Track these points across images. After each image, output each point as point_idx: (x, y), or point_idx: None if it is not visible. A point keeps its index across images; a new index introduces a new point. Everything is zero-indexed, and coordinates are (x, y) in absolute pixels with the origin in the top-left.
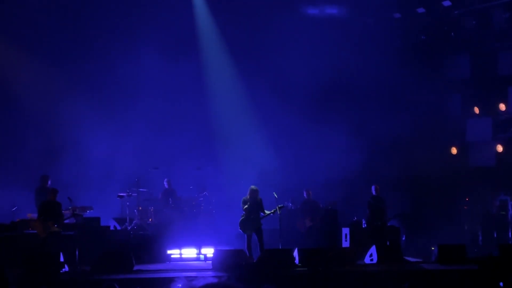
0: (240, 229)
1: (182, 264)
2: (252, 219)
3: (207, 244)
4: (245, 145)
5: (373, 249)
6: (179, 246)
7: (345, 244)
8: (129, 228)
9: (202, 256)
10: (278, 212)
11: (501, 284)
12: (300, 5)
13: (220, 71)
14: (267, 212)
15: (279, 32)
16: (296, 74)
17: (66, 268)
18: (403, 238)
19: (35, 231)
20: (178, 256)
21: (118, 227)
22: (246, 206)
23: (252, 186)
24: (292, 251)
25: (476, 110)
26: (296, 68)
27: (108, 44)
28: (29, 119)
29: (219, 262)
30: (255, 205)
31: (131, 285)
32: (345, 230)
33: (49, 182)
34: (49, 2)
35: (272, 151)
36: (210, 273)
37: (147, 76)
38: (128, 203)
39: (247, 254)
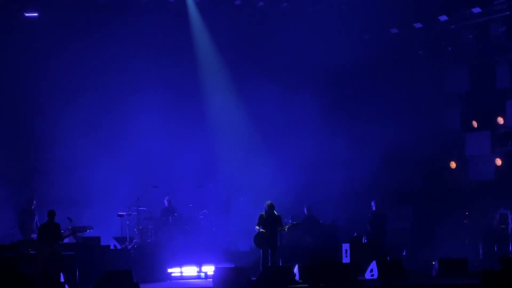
0: (255, 244)
1: (183, 283)
2: (268, 235)
3: (208, 262)
4: (245, 162)
5: (373, 265)
6: (180, 264)
7: (346, 260)
8: (129, 247)
9: (203, 274)
10: (286, 229)
11: None
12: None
13: (220, 89)
14: (283, 228)
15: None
16: (296, 88)
17: None
18: (404, 253)
19: (36, 252)
20: (179, 274)
21: (119, 246)
22: (259, 226)
23: (268, 202)
24: (293, 267)
25: (475, 124)
26: (297, 82)
27: (107, 60)
28: (29, 139)
29: (220, 280)
30: (272, 221)
31: None
32: (346, 246)
33: (34, 203)
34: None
35: (272, 168)
36: None
37: (146, 94)
38: (128, 222)
39: (261, 270)
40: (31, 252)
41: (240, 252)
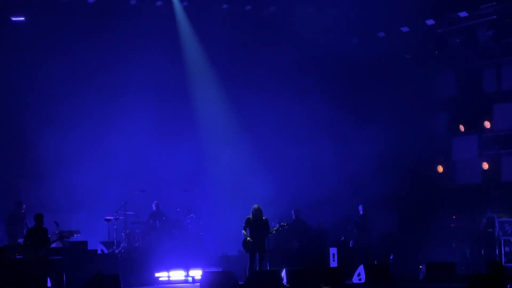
0: (243, 248)
1: (171, 287)
2: (255, 239)
3: (195, 266)
4: (232, 167)
5: (361, 269)
6: (167, 268)
7: (333, 264)
8: (116, 251)
9: (190, 279)
10: (274, 231)
11: None
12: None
13: (209, 92)
14: (270, 231)
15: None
16: (284, 92)
17: None
18: (391, 257)
19: (23, 257)
20: (166, 278)
21: (106, 251)
22: (245, 230)
23: (255, 206)
24: (280, 271)
25: (462, 128)
26: (285, 86)
27: (94, 64)
28: (15, 143)
29: (207, 284)
30: (259, 225)
31: None
32: (333, 250)
33: (24, 207)
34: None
35: (261, 172)
36: None
37: (134, 98)
38: (115, 227)
39: (248, 275)
40: (18, 256)
41: (228, 256)
